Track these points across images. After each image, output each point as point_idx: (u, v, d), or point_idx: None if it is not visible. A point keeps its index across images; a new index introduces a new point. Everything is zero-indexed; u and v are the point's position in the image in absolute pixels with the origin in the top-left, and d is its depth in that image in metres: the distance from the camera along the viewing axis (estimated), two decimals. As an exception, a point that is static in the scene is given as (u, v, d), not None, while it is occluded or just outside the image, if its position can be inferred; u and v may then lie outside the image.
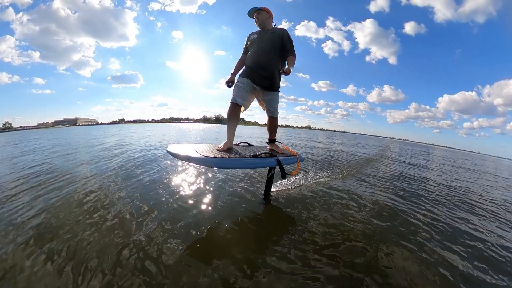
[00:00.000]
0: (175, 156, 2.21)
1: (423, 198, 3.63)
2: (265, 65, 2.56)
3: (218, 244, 1.91)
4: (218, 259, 1.67)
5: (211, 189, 3.15)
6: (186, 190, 3.12)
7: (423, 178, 5.42)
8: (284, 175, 2.54)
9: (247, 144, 3.10)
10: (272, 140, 2.91)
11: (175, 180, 3.50)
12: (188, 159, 2.11)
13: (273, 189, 3.17)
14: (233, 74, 2.79)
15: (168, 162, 4.61)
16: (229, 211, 2.50)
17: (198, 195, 2.94)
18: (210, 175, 3.77)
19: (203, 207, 2.57)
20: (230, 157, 2.24)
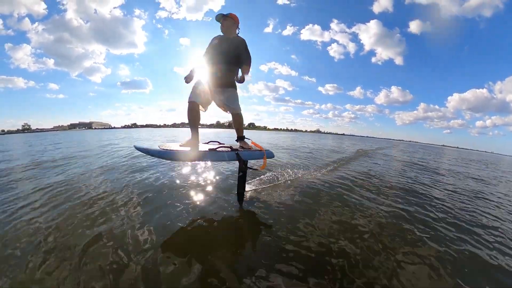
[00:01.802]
0: (139, 150, 2.36)
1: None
2: (219, 71, 2.67)
3: (179, 243, 1.87)
4: (178, 259, 1.63)
5: (187, 186, 3.28)
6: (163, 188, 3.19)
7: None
8: (241, 168, 2.62)
9: (217, 143, 3.00)
10: (240, 137, 2.92)
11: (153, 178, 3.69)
12: (149, 152, 2.25)
13: (249, 188, 3.16)
14: (192, 71, 2.83)
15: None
16: (200, 210, 2.53)
17: (172, 193, 3.00)
18: (192, 176, 3.94)
19: (175, 205, 2.61)
20: (188, 150, 2.33)
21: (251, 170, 2.90)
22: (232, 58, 2.66)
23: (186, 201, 2.77)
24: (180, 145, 2.53)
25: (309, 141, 17.92)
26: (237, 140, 2.96)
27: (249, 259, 1.68)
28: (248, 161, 2.77)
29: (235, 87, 2.78)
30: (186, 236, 1.97)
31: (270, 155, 2.89)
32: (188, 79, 2.79)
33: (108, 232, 1.94)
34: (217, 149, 2.48)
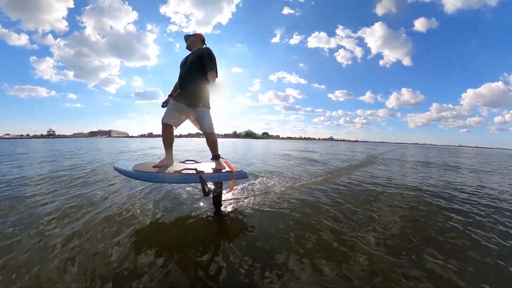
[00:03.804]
0: (117, 170, 2.43)
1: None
2: (188, 85, 2.63)
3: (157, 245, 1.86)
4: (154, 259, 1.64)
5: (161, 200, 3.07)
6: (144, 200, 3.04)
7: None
8: (204, 193, 2.41)
9: (193, 162, 3.04)
10: (215, 156, 2.84)
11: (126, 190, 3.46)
12: (123, 172, 2.36)
13: (231, 195, 3.09)
14: (170, 96, 2.89)
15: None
16: (176, 220, 2.47)
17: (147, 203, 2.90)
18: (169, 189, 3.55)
19: (152, 214, 2.56)
20: (153, 172, 2.36)
21: (213, 193, 2.67)
22: (197, 67, 2.61)
23: (161, 204, 2.87)
24: (153, 166, 2.57)
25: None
26: (212, 159, 2.90)
27: (219, 262, 1.65)
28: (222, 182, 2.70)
29: (207, 106, 2.71)
30: (159, 237, 2.02)
31: (242, 176, 2.74)
32: (164, 104, 2.85)
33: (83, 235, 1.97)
34: (181, 172, 2.44)
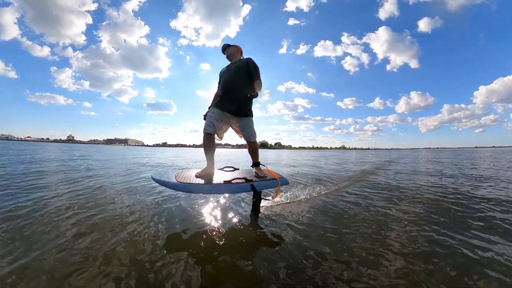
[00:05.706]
0: (157, 181, 2.35)
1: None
2: (232, 92, 2.64)
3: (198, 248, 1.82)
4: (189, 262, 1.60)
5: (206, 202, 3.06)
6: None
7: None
8: (259, 200, 2.53)
9: (232, 169, 3.03)
10: (255, 163, 2.89)
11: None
12: (165, 184, 2.25)
13: (266, 203, 3.05)
14: (210, 108, 2.84)
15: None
16: (212, 219, 2.46)
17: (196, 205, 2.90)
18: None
19: (194, 216, 2.53)
20: (202, 183, 2.32)
21: (263, 199, 2.74)
22: (243, 75, 2.66)
23: (198, 209, 2.78)
24: (196, 175, 2.55)
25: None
26: (252, 166, 2.94)
27: (252, 271, 1.57)
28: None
29: (250, 115, 2.75)
30: (194, 242, 1.94)
31: (285, 182, 2.78)
32: (205, 115, 2.84)
33: (125, 236, 1.93)
34: (232, 181, 2.42)
